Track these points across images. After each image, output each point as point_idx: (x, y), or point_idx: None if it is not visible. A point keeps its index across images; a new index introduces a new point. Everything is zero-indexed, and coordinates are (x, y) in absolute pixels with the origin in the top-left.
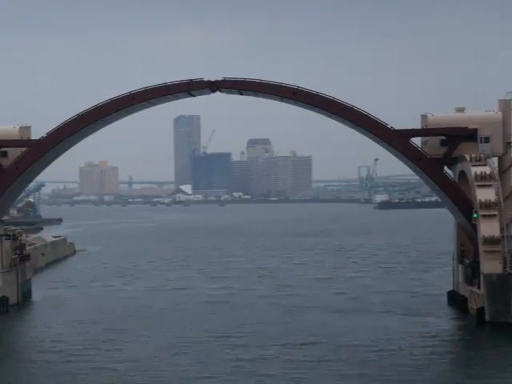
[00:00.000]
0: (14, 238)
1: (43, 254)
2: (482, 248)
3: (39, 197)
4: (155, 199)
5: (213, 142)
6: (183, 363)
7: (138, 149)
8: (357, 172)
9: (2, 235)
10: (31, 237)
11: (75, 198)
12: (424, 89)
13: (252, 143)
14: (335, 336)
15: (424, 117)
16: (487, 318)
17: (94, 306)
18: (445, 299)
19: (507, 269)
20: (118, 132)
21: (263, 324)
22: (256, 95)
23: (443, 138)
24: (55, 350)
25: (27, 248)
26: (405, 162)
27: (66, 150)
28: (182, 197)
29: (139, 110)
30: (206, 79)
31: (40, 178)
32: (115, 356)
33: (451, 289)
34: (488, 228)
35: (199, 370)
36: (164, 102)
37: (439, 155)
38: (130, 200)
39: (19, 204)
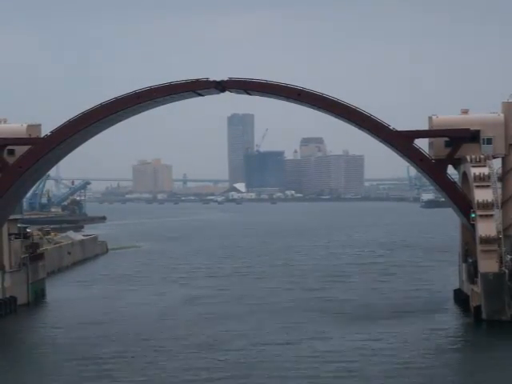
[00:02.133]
0: (25, 236)
1: (69, 253)
2: (479, 247)
3: (85, 195)
4: (209, 197)
5: (266, 140)
6: None
7: (192, 147)
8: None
9: (10, 234)
10: (58, 236)
11: (128, 196)
12: None
13: (305, 142)
14: None
15: (430, 118)
16: (484, 316)
17: (107, 307)
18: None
19: (503, 268)
20: (171, 130)
21: None
22: (263, 95)
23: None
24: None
25: (50, 247)
26: (409, 163)
27: (74, 148)
28: (235, 195)
29: (146, 109)
30: (211, 79)
31: (92, 175)
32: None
33: (457, 287)
34: (485, 228)
35: None
36: (170, 102)
37: (443, 156)
38: (183, 198)
39: (64, 202)
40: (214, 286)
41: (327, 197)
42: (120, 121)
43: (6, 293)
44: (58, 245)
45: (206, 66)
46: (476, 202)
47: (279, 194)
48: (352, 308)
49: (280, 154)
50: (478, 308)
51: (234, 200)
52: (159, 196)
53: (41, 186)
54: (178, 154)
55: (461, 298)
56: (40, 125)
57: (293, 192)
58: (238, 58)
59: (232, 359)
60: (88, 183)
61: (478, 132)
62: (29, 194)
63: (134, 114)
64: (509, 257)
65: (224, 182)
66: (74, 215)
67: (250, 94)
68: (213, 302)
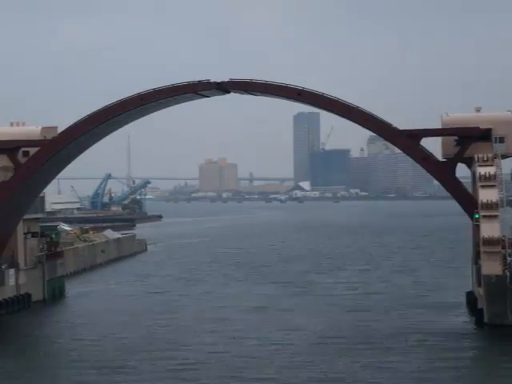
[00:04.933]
0: (42, 235)
1: (103, 251)
2: (482, 249)
3: (145, 193)
4: (272, 196)
5: (332, 138)
6: None
7: (258, 146)
8: None
9: (26, 233)
10: (95, 234)
11: (194, 195)
12: None
13: (372, 140)
14: None
15: (441, 116)
16: (486, 319)
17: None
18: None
19: (506, 270)
20: (237, 129)
21: None
22: (265, 95)
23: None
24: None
25: (81, 245)
26: (415, 161)
27: (85, 149)
28: (299, 193)
29: (151, 111)
30: (212, 80)
31: (162, 174)
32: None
33: (470, 290)
34: (488, 229)
35: None
36: (174, 104)
37: (453, 155)
38: (247, 197)
39: (125, 201)
40: None
41: (392, 195)
42: (127, 123)
43: (20, 290)
44: (90, 243)
45: None
46: (480, 202)
47: (343, 193)
48: None
49: (346, 152)
50: (480, 311)
51: (297, 198)
52: (224, 195)
53: (103, 185)
54: (244, 152)
55: (471, 300)
56: (56, 127)
57: (357, 190)
58: None
59: None
60: (148, 182)
61: (488, 130)
62: (91, 193)
63: (139, 117)
64: (509, 259)
65: (290, 180)
66: (133, 214)
67: (254, 95)
68: None
